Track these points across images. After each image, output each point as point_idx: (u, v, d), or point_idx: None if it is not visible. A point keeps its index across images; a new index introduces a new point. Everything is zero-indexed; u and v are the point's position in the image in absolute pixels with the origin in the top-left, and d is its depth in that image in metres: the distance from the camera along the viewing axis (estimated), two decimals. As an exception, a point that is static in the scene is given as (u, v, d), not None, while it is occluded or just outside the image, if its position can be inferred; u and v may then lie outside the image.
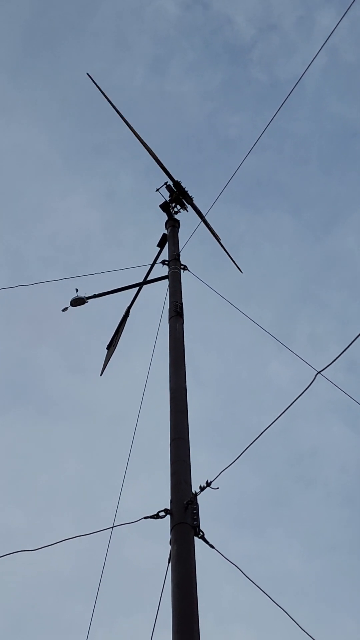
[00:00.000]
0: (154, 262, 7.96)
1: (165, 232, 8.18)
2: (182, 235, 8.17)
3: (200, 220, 8.47)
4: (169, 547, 4.42)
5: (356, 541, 13.10)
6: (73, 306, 7.57)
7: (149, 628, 4.38)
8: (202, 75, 20.44)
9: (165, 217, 8.42)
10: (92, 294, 7.73)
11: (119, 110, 8.81)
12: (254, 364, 14.17)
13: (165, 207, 8.36)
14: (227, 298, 7.14)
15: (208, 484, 4.59)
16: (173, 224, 8.17)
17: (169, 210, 8.34)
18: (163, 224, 8.38)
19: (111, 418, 13.28)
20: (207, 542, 4.41)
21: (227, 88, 20.26)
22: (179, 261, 7.44)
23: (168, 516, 4.57)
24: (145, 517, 4.63)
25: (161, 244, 8.12)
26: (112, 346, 8.13)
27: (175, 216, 8.34)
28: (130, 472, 6.36)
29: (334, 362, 4.52)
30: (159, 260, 7.85)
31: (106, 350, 8.23)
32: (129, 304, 8.09)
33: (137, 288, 8.03)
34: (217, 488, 4.59)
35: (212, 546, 4.40)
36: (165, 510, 4.60)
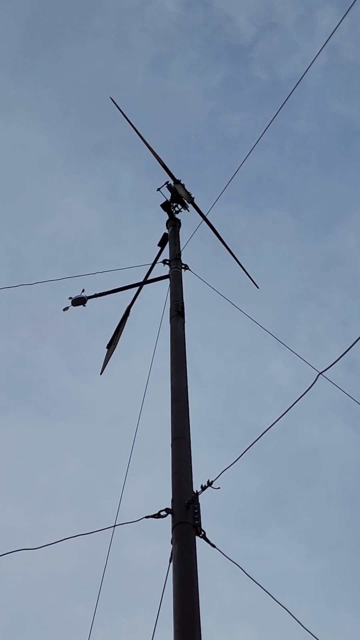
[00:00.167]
0: (155, 262, 7.97)
1: (166, 231, 8.19)
2: (183, 234, 8.19)
3: (202, 219, 8.48)
4: (170, 546, 4.43)
5: (356, 540, 13.11)
6: (74, 305, 7.57)
7: (150, 627, 4.39)
8: (202, 74, 20.45)
9: (166, 216, 8.44)
10: (92, 294, 7.73)
11: (140, 133, 8.84)
12: (255, 363, 14.16)
13: (166, 206, 8.37)
14: (228, 297, 7.15)
15: (209, 484, 4.60)
16: (174, 224, 8.17)
17: (170, 209, 8.35)
18: (164, 223, 8.39)
19: (112, 417, 13.29)
20: (208, 541, 4.41)
21: (228, 87, 20.27)
22: (180, 261, 7.45)
23: (169, 516, 4.58)
24: (147, 517, 4.64)
25: (162, 244, 8.13)
26: (112, 345, 8.14)
27: (176, 216, 8.34)
28: (131, 472, 6.37)
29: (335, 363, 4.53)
30: (160, 259, 7.86)
31: (106, 350, 8.24)
32: (129, 304, 8.10)
33: (138, 288, 8.04)
34: (219, 488, 4.60)
35: (213, 545, 4.40)
36: (167, 510, 4.60)
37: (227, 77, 20.29)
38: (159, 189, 8.43)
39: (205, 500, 4.63)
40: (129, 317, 8.09)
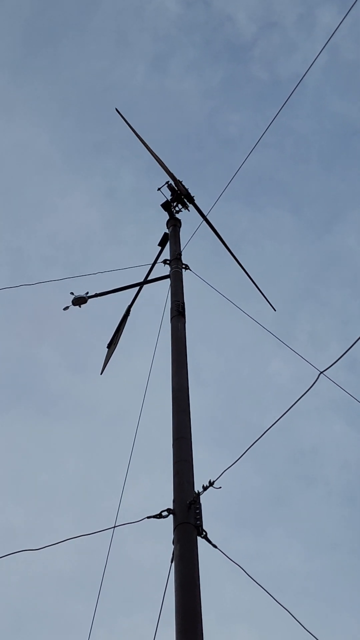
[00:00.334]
0: (155, 262, 7.96)
1: (167, 231, 8.18)
2: (184, 234, 8.18)
3: (202, 220, 8.47)
4: (172, 546, 4.43)
5: (357, 540, 13.11)
6: (74, 305, 7.56)
7: (151, 627, 4.39)
8: (202, 73, 20.44)
9: (166, 215, 8.43)
10: (93, 293, 7.72)
11: (141, 136, 8.82)
12: (255, 362, 14.17)
13: (166, 206, 8.36)
14: (229, 296, 7.15)
15: (211, 484, 4.60)
16: (174, 223, 8.17)
17: (171, 209, 8.34)
18: (164, 221, 8.39)
19: (112, 417, 13.29)
20: (210, 541, 4.41)
21: (228, 86, 20.26)
22: (181, 260, 7.44)
23: (171, 516, 4.58)
24: (148, 517, 4.64)
25: (162, 243, 8.12)
26: (112, 345, 8.13)
27: (177, 215, 8.34)
28: (131, 471, 6.37)
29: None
30: (161, 259, 7.86)
31: (107, 349, 8.23)
32: (129, 303, 8.10)
33: (139, 287, 8.03)
34: (220, 487, 4.60)
35: (215, 546, 4.40)
36: (168, 510, 4.61)
37: (227, 76, 20.30)
38: (159, 189, 8.43)
39: (205, 500, 4.64)
40: (129, 317, 8.09)
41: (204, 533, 4.43)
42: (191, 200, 8.44)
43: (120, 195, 19.38)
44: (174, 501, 4.66)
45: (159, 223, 8.44)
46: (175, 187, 8.45)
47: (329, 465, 15.23)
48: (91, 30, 20.31)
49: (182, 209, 8.39)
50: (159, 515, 4.62)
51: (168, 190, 8.46)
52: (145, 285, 7.97)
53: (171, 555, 4.38)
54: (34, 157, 19.70)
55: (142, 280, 7.98)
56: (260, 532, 13.24)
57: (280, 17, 19.71)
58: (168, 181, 8.48)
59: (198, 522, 4.45)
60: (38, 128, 19.94)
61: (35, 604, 12.13)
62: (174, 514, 4.57)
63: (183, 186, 8.48)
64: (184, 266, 7.38)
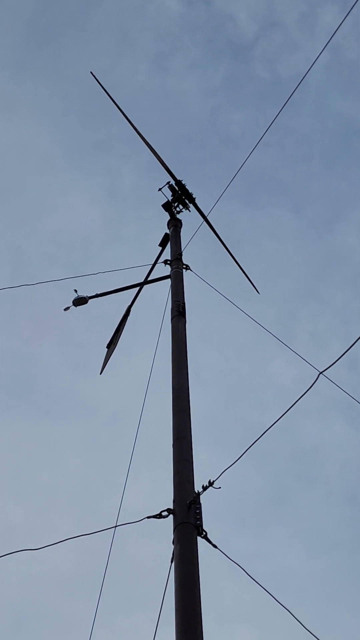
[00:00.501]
0: (156, 262, 7.97)
1: (167, 231, 8.18)
2: (184, 234, 8.18)
3: (202, 220, 8.47)
4: (172, 546, 4.44)
5: (357, 539, 13.12)
6: (75, 306, 7.57)
7: (151, 627, 4.40)
8: (204, 72, 20.42)
9: (167, 215, 8.43)
10: (94, 294, 7.73)
11: (122, 109, 8.82)
12: (256, 362, 14.17)
13: (167, 206, 8.36)
14: (229, 297, 7.15)
15: (211, 484, 4.61)
16: (175, 224, 8.17)
17: (171, 210, 8.35)
18: (165, 219, 8.40)
19: (113, 417, 13.30)
20: (210, 541, 4.41)
21: (229, 85, 20.24)
22: (181, 261, 7.45)
23: (171, 516, 4.59)
24: (148, 517, 4.64)
25: (163, 244, 8.13)
26: (112, 345, 8.14)
27: (178, 216, 8.34)
28: (132, 471, 6.38)
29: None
30: (161, 259, 7.86)
31: (106, 349, 8.24)
32: (129, 303, 8.11)
33: (139, 288, 8.04)
34: (219, 488, 4.61)
35: (215, 546, 4.41)
36: (168, 510, 4.61)
37: (228, 75, 20.28)
38: (160, 189, 8.43)
39: (205, 500, 4.64)
40: (129, 317, 8.10)
41: (204, 533, 4.44)
42: (192, 200, 8.44)
43: (121, 194, 19.39)
44: (174, 501, 4.67)
45: (160, 221, 8.45)
46: (176, 187, 8.44)
47: (329, 465, 15.24)
48: (92, 28, 20.31)
49: (183, 210, 8.40)
50: (159, 515, 4.62)
51: (169, 190, 8.46)
52: (145, 286, 7.99)
53: (171, 555, 4.38)
54: (34, 155, 19.71)
55: (142, 279, 8.00)
56: (260, 532, 13.26)
57: (282, 16, 19.71)
58: (169, 181, 8.49)
59: (198, 522, 4.46)
60: (39, 127, 19.95)
61: (36, 603, 12.15)
62: (174, 514, 4.58)
63: (183, 186, 8.47)
64: (184, 266, 7.39)
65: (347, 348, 4.39)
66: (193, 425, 5.32)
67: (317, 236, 19.34)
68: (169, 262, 7.55)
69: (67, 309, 7.55)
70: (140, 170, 18.76)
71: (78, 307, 7.63)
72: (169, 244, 7.96)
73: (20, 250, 18.03)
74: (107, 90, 8.86)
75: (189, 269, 7.42)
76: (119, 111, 8.89)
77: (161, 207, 8.44)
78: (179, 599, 4.04)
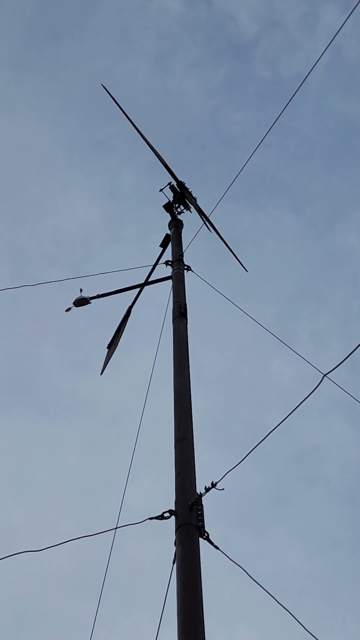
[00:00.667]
0: (156, 263, 7.96)
1: (169, 232, 8.18)
2: (186, 233, 8.18)
3: (203, 221, 8.46)
4: (174, 547, 4.43)
5: (358, 539, 13.12)
6: (76, 306, 7.57)
7: (152, 628, 4.40)
8: (205, 72, 20.41)
9: (167, 215, 8.43)
10: (95, 294, 7.74)
11: (133, 122, 8.80)
12: (257, 363, 14.18)
13: (168, 207, 8.36)
14: (230, 296, 7.14)
15: (213, 485, 4.61)
16: (176, 225, 8.17)
17: (172, 210, 8.34)
18: (166, 219, 8.40)
19: (114, 417, 13.30)
20: (212, 543, 4.41)
21: (230, 85, 20.23)
22: (183, 262, 7.44)
23: (173, 517, 4.59)
24: (150, 518, 4.64)
25: (164, 244, 8.12)
26: (112, 345, 8.14)
27: (179, 216, 8.34)
28: (133, 472, 6.37)
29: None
30: (162, 260, 7.86)
31: (107, 350, 8.24)
32: (130, 304, 8.10)
33: (140, 288, 8.03)
34: (223, 489, 4.60)
35: (217, 547, 4.40)
36: (170, 511, 4.61)
37: (229, 75, 20.27)
38: (161, 190, 8.42)
39: (206, 500, 4.64)
40: (130, 318, 8.10)
41: (206, 534, 4.44)
42: (192, 201, 8.44)
43: (121, 193, 19.38)
44: (175, 502, 4.67)
45: (161, 222, 8.45)
46: (177, 188, 8.44)
47: (330, 465, 15.24)
48: (93, 28, 20.30)
49: (184, 210, 8.40)
50: (161, 517, 4.62)
51: (170, 191, 8.46)
52: (146, 286, 7.98)
53: (173, 557, 4.38)
54: (35, 155, 19.70)
55: (143, 280, 8.00)
56: (261, 532, 13.26)
57: (283, 16, 19.69)
58: (170, 182, 8.48)
59: (200, 524, 4.45)
60: (39, 126, 19.94)
61: (37, 604, 12.15)
62: (175, 515, 4.58)
63: (184, 185, 8.46)
64: (185, 267, 7.38)
65: (352, 351, 4.39)
66: (194, 425, 5.32)
67: (318, 236, 19.35)
68: (170, 263, 7.55)
69: (68, 309, 7.56)
70: (140, 170, 18.77)
71: (79, 307, 7.63)
72: (170, 244, 7.96)
73: (20, 250, 18.04)
74: (118, 102, 8.85)
75: (190, 269, 7.42)
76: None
77: (162, 208, 8.44)
78: (181, 600, 4.03)
